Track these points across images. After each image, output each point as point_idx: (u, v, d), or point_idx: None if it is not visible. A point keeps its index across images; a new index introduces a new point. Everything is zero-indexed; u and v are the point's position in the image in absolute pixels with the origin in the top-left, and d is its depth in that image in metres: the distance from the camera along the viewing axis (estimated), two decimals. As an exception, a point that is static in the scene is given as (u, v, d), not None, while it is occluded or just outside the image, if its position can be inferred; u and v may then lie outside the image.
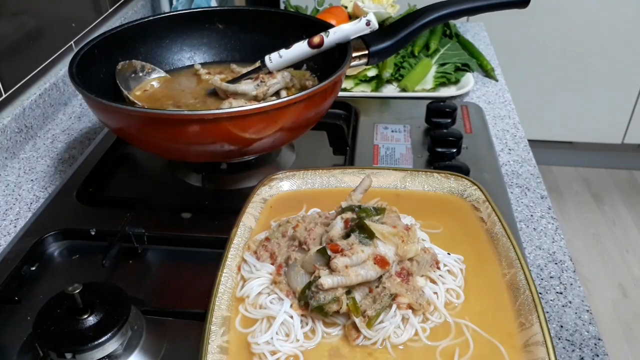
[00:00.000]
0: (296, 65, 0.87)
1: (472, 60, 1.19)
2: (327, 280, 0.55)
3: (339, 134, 0.94)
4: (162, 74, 0.95)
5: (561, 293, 0.68)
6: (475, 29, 1.44)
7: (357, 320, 0.55)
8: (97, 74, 0.86)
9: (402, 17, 0.87)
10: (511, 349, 0.54)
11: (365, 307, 0.56)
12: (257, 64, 0.87)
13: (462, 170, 0.81)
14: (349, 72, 1.07)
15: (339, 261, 0.56)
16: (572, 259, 0.73)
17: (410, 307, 0.57)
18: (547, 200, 0.83)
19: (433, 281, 0.60)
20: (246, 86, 0.83)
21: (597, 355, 0.60)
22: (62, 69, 1.11)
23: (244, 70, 0.90)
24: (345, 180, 0.76)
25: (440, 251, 0.64)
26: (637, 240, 2.23)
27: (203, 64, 0.98)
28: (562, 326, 0.64)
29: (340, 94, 0.91)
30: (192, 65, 0.98)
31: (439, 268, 0.62)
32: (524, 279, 0.59)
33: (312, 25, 0.89)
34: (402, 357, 0.54)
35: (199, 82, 0.94)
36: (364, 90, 1.13)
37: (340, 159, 0.90)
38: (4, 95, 0.96)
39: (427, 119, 0.97)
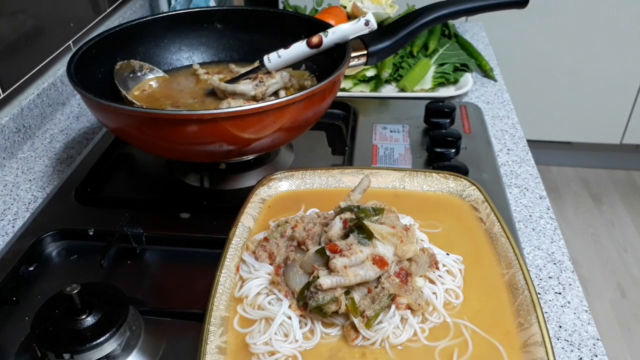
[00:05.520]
0: (295, 65, 0.87)
1: (471, 60, 1.19)
2: (326, 280, 0.55)
3: (338, 134, 0.94)
4: (161, 73, 0.95)
5: (560, 293, 0.68)
6: (474, 29, 1.44)
7: (356, 321, 0.55)
8: (96, 74, 0.86)
9: (401, 17, 0.87)
10: (510, 349, 0.54)
11: (364, 308, 0.56)
12: (256, 64, 0.86)
13: (461, 171, 0.81)
14: (348, 72, 1.07)
15: (337, 261, 0.56)
16: (571, 259, 0.73)
17: (409, 307, 0.57)
18: (546, 201, 0.83)
19: (432, 281, 0.60)
20: (245, 86, 0.83)
21: (596, 356, 0.60)
22: (60, 68, 1.11)
23: (243, 70, 0.90)
24: (344, 181, 0.76)
25: (439, 251, 0.64)
26: (636, 240, 2.24)
27: (202, 64, 0.98)
28: (560, 326, 0.64)
29: (339, 94, 0.91)
30: (190, 65, 0.98)
31: (438, 268, 0.61)
32: (522, 279, 0.59)
33: (311, 25, 0.89)
34: (401, 358, 0.54)
35: (197, 82, 0.94)
36: (362, 91, 1.13)
37: (339, 159, 0.90)
38: (2, 95, 0.96)
39: (426, 119, 0.97)
